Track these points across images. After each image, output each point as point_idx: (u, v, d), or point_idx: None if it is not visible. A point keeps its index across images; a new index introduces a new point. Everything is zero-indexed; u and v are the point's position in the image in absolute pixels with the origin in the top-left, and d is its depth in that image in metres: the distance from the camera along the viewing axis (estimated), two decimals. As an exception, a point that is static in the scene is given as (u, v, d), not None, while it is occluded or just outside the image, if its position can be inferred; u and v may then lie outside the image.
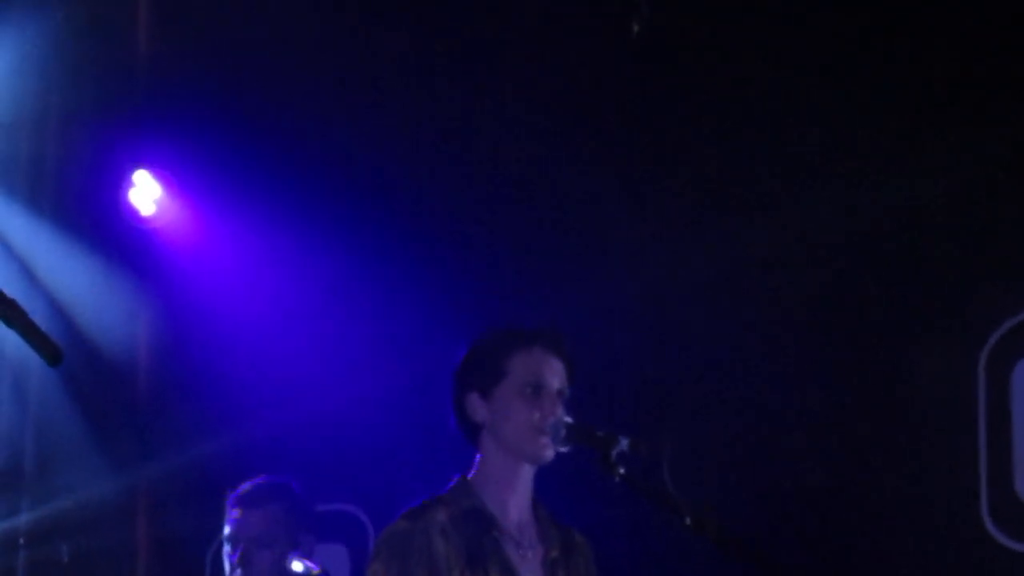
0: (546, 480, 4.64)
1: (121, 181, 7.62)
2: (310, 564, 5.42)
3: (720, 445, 6.50)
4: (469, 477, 4.58)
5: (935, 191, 6.16)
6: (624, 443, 4.26)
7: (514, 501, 4.57)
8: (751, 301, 6.58)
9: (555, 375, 4.56)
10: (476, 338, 4.66)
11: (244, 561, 5.58)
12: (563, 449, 4.48)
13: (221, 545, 5.72)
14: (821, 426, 6.41)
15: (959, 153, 6.10)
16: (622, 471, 4.26)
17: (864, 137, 6.39)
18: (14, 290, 3.27)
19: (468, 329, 4.75)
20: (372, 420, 7.23)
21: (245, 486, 5.74)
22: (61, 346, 3.28)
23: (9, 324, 3.27)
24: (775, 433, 6.48)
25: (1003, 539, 5.99)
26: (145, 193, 7.63)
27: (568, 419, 4.48)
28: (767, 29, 6.58)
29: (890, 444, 6.29)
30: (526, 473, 4.58)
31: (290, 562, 5.44)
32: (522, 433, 4.49)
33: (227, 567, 5.62)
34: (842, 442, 6.37)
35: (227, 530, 5.64)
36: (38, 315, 3.26)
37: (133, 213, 7.65)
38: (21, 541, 7.32)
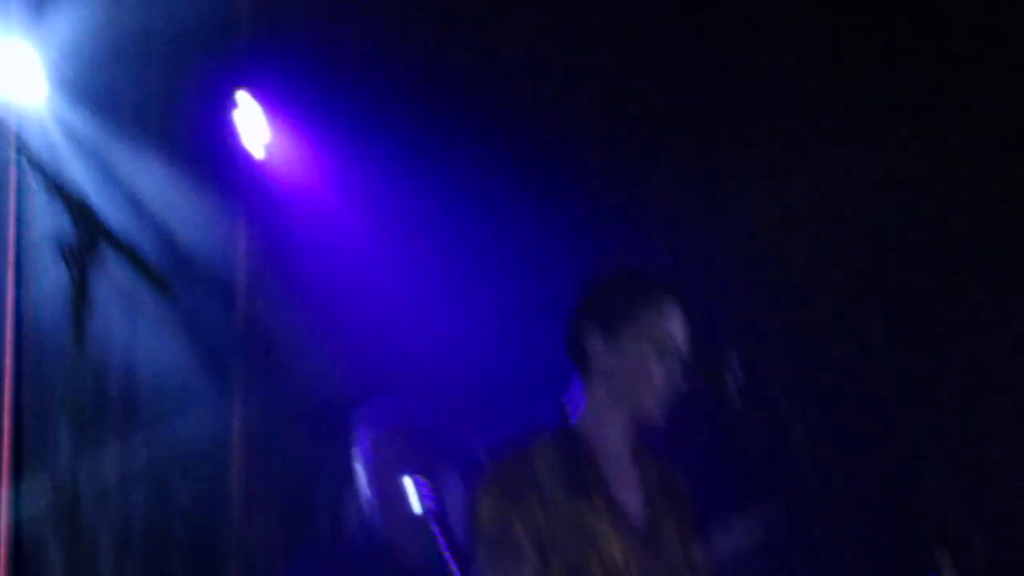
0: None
1: (226, 107, 7.61)
2: (424, 489, 5.31)
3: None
4: (573, 422, 4.45)
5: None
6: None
7: (619, 447, 4.47)
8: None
9: (683, 338, 4.38)
10: (606, 273, 4.47)
11: (371, 482, 5.55)
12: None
13: (335, 471, 5.70)
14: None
15: None
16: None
17: None
18: (122, 222, 3.26)
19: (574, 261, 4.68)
20: (481, 345, 7.24)
21: (368, 408, 5.70)
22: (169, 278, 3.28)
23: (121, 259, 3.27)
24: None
25: None
26: (250, 120, 7.62)
27: None
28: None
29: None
30: (634, 425, 4.46)
31: (408, 483, 5.31)
32: (643, 390, 4.36)
33: (354, 489, 5.58)
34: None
35: (354, 452, 5.60)
36: (147, 246, 3.26)
37: (238, 140, 7.64)
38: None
